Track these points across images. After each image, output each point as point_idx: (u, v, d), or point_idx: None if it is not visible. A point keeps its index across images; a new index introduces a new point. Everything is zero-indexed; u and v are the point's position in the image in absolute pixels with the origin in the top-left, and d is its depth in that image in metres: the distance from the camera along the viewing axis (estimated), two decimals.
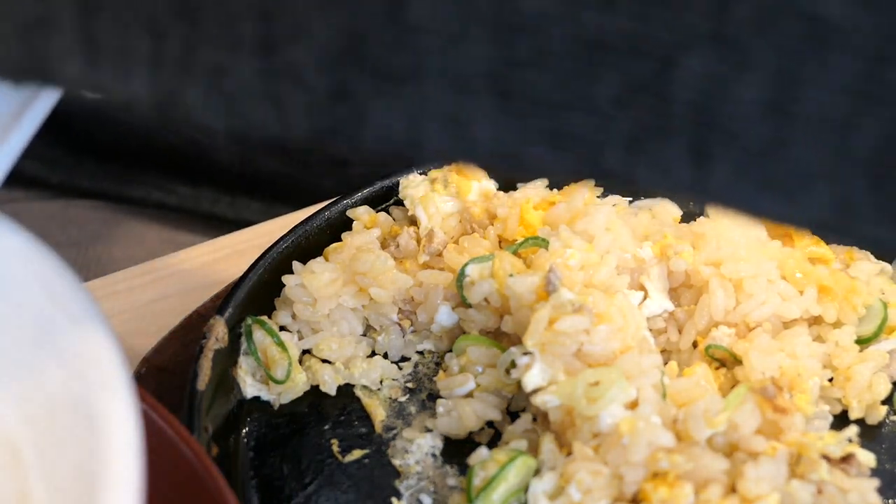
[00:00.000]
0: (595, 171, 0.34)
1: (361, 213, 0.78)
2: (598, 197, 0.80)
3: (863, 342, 0.73)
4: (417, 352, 0.76)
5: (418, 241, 0.76)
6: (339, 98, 0.34)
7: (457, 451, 0.69)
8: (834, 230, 0.34)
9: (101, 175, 1.09)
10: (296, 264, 0.74)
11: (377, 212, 0.79)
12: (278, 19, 0.33)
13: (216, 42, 0.34)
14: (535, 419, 0.68)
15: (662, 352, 0.73)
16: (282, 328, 0.74)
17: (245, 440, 0.70)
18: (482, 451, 0.67)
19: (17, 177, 1.07)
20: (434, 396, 0.72)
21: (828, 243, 0.76)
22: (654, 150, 0.33)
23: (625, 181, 0.34)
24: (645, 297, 0.73)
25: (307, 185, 1.09)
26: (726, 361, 0.71)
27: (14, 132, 0.46)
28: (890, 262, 0.78)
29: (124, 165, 1.08)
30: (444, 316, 0.74)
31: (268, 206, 1.10)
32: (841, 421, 0.71)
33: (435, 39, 0.32)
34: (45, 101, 0.46)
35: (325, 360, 0.73)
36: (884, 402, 0.72)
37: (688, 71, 0.31)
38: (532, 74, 0.32)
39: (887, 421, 0.72)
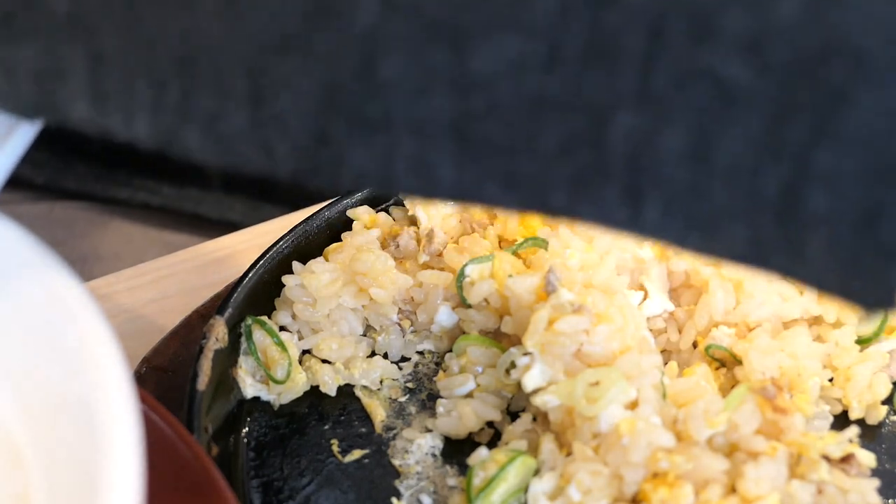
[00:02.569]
0: (543, 208, 0.39)
1: (361, 213, 0.78)
2: None
3: (863, 342, 0.73)
4: (417, 352, 0.76)
5: (418, 241, 0.76)
6: (320, 143, 0.38)
7: (457, 451, 0.69)
8: (751, 262, 0.38)
9: (86, 176, 1.09)
10: (296, 264, 0.74)
11: (377, 212, 0.79)
12: (265, 76, 0.37)
13: (211, 93, 0.38)
14: (535, 419, 0.68)
15: (662, 352, 0.73)
16: (282, 328, 0.74)
17: (245, 440, 0.70)
18: (482, 451, 0.67)
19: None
20: (434, 396, 0.72)
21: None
22: (593, 192, 0.37)
23: (569, 217, 0.39)
24: (645, 297, 0.73)
25: (290, 185, 1.09)
26: (726, 361, 0.71)
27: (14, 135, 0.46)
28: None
29: (110, 166, 1.08)
30: (444, 316, 0.74)
31: (252, 207, 1.10)
32: (841, 421, 0.71)
33: (401, 94, 0.37)
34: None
35: (325, 360, 0.73)
36: (884, 402, 0.72)
37: (619, 125, 0.35)
38: (486, 124, 0.36)
39: (887, 421, 0.72)
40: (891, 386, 0.72)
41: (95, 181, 1.08)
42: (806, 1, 0.32)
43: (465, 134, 0.37)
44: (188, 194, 1.09)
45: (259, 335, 0.72)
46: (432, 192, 0.39)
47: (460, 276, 0.73)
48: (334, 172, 0.39)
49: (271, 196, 1.09)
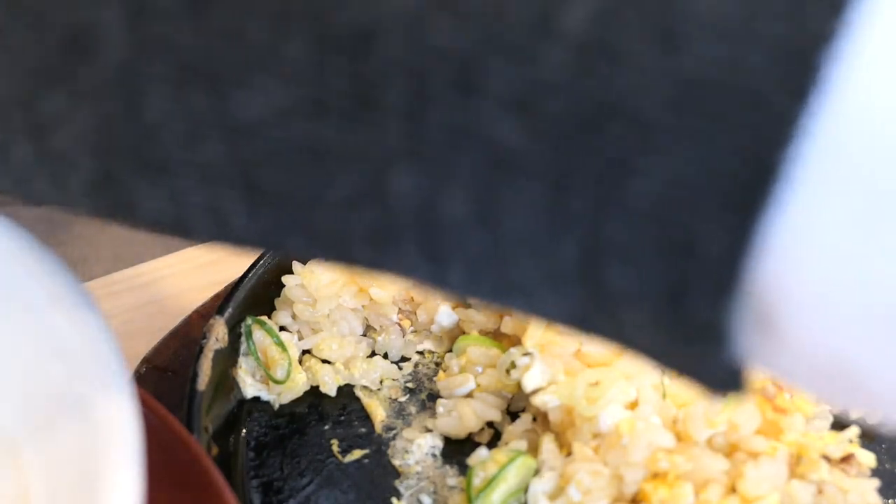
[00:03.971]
0: (350, 262, 0.35)
1: None
2: None
3: None
4: (417, 352, 0.76)
5: None
6: (108, 183, 0.36)
7: (457, 451, 0.69)
8: (580, 332, 0.34)
9: None
10: (296, 264, 0.74)
11: None
12: (39, 109, 0.35)
13: None
14: (535, 419, 0.68)
15: None
16: (282, 328, 0.74)
17: (245, 440, 0.70)
18: (482, 452, 0.67)
19: None
20: (434, 396, 0.72)
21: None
22: (393, 249, 0.34)
23: (379, 272, 0.35)
24: None
25: None
26: None
27: None
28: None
29: None
30: (444, 316, 0.74)
31: None
32: (841, 421, 0.71)
33: (173, 137, 0.34)
34: None
35: (325, 361, 0.73)
36: None
37: (399, 183, 0.32)
38: (268, 173, 0.34)
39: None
40: None
41: None
42: (575, 54, 0.29)
43: (251, 182, 0.34)
44: None
45: (259, 335, 0.72)
46: (234, 241, 0.36)
47: None
48: (130, 215, 0.37)
49: None
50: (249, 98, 0.32)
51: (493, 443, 0.69)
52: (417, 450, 0.70)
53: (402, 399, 0.73)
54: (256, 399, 0.72)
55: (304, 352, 0.74)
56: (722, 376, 0.32)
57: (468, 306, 0.73)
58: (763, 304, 0.29)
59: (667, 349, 0.32)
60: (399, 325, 0.75)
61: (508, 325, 0.71)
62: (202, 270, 0.88)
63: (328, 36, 0.31)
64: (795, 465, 0.64)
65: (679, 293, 0.30)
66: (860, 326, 0.28)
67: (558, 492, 0.63)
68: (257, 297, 0.73)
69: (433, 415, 0.71)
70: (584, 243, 0.31)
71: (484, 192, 0.31)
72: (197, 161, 0.34)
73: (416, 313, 0.75)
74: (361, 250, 0.34)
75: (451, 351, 0.74)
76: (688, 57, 0.28)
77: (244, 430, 0.70)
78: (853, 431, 0.67)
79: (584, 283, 0.31)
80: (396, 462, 0.69)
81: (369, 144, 0.32)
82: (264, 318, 0.73)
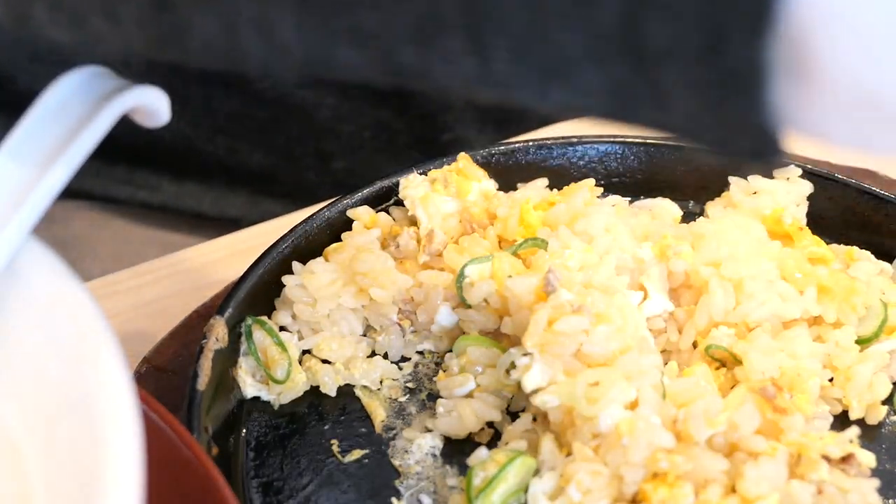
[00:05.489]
0: (395, 69, 0.37)
1: (361, 213, 0.78)
2: (598, 197, 0.80)
3: (863, 342, 0.73)
4: (417, 352, 0.76)
5: (418, 242, 0.76)
6: (161, 8, 0.37)
7: (457, 451, 0.69)
8: (620, 116, 0.35)
9: (86, 172, 1.08)
10: (296, 265, 0.74)
11: (377, 212, 0.79)
12: None
13: None
14: (535, 419, 0.68)
15: (662, 352, 0.73)
16: (282, 328, 0.74)
17: (245, 440, 0.70)
18: (482, 452, 0.67)
19: None
20: (434, 396, 0.73)
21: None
22: (439, 44, 0.35)
23: (423, 77, 0.37)
24: (645, 297, 0.73)
25: (290, 178, 1.09)
26: (726, 361, 0.71)
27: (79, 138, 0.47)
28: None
29: (110, 161, 1.08)
30: (444, 316, 0.74)
31: (252, 202, 1.10)
32: (841, 421, 0.71)
33: None
34: (111, 111, 0.47)
35: (325, 360, 0.73)
36: (884, 402, 0.72)
37: None
38: None
39: (887, 421, 0.72)
40: (891, 386, 0.72)
41: (95, 177, 1.08)
42: None
43: None
44: (188, 191, 1.09)
45: (259, 335, 0.72)
46: (283, 60, 0.37)
47: (460, 276, 0.73)
48: (181, 42, 0.38)
49: (271, 188, 1.09)
50: None
51: (493, 443, 0.69)
52: (417, 450, 0.70)
53: (402, 399, 0.73)
54: (256, 399, 0.72)
55: (304, 352, 0.74)
56: (757, 136, 0.33)
57: (468, 306, 0.73)
58: (797, 44, 0.31)
59: (702, 114, 0.33)
60: (399, 325, 0.75)
61: (508, 325, 0.71)
62: (202, 270, 0.88)
63: None
64: (795, 466, 0.64)
65: (717, 41, 0.31)
66: (887, 48, 0.30)
67: (558, 492, 0.63)
68: (257, 297, 0.73)
69: (433, 415, 0.71)
70: (624, 2, 0.31)
71: None
72: None
73: (416, 313, 0.75)
74: (407, 53, 0.36)
75: (451, 351, 0.74)
76: None
77: (244, 430, 0.70)
78: (853, 431, 0.67)
79: (624, 49, 0.32)
80: (396, 462, 0.69)
81: None
82: (264, 318, 0.73)
